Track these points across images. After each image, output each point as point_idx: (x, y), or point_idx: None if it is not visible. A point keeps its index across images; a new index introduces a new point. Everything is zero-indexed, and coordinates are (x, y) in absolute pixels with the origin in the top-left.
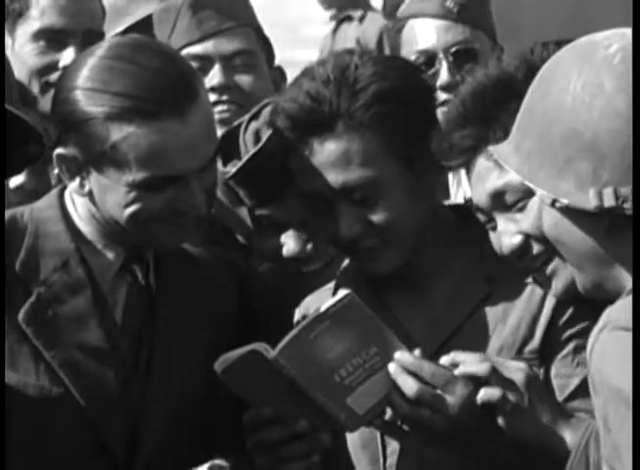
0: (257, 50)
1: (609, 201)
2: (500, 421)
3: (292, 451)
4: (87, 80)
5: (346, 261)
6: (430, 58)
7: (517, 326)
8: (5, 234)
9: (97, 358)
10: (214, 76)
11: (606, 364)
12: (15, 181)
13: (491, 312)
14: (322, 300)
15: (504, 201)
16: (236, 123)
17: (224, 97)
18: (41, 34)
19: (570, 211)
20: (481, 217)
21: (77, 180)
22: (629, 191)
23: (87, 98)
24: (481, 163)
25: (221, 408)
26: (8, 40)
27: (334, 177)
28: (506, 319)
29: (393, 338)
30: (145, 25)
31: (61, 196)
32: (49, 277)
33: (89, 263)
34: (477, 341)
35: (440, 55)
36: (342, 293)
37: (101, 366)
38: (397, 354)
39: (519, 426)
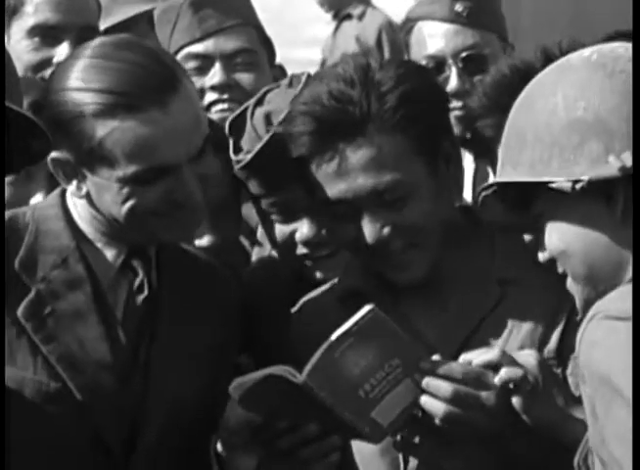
0: (258, 49)
1: (628, 161)
2: (517, 404)
3: (306, 456)
4: (71, 80)
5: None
6: (439, 63)
7: (534, 327)
8: (6, 232)
9: (95, 354)
10: (215, 75)
11: (594, 353)
12: None
13: (506, 315)
14: (319, 298)
15: None
16: (239, 111)
17: (225, 95)
18: (36, 30)
19: (582, 203)
20: None
21: (74, 183)
22: None
23: (72, 98)
24: None
25: (220, 405)
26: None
27: (363, 181)
28: (522, 321)
29: (416, 347)
30: (136, 23)
31: (62, 195)
32: (48, 274)
33: (89, 261)
34: (493, 344)
35: (450, 61)
36: (366, 308)
37: (99, 362)
38: (423, 364)
39: (535, 409)
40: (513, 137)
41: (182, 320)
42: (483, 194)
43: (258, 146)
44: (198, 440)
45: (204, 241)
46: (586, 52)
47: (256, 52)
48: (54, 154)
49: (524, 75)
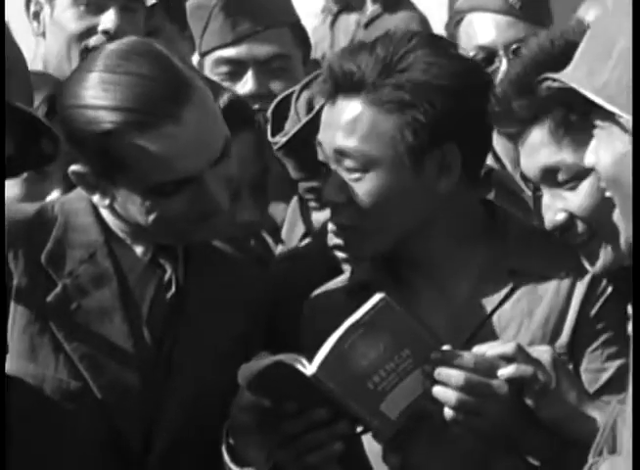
0: (293, 51)
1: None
2: (528, 400)
3: (312, 441)
4: (79, 97)
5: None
6: (490, 54)
7: (546, 320)
8: (33, 225)
9: (119, 353)
10: (247, 82)
11: None
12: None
13: (517, 307)
14: (330, 291)
15: (555, 178)
16: (287, 92)
17: (256, 106)
18: None
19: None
20: (526, 187)
21: (98, 194)
22: None
23: (84, 116)
24: (537, 135)
25: None
26: (46, 7)
27: (334, 138)
28: (532, 313)
29: (427, 337)
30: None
31: None
32: (75, 269)
33: (117, 256)
34: (503, 336)
35: (501, 52)
36: (377, 297)
37: (122, 361)
38: (433, 354)
39: (547, 406)
40: (599, 42)
41: (207, 318)
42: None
43: (296, 128)
44: (216, 438)
45: (245, 215)
46: None
47: (290, 56)
48: (74, 167)
49: (567, 54)
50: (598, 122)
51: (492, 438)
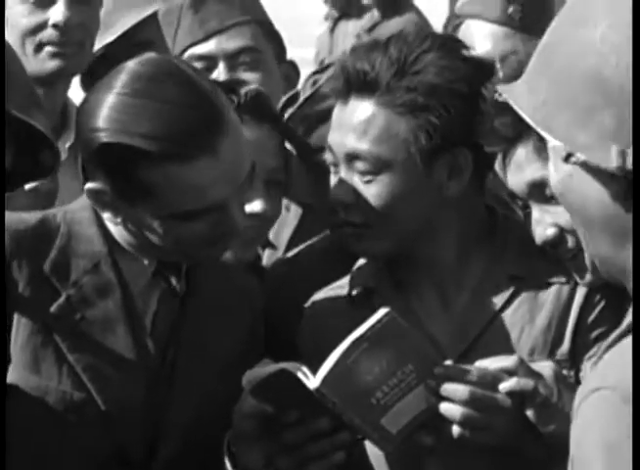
0: (264, 46)
1: (629, 161)
2: (530, 414)
3: (314, 450)
4: (110, 121)
5: (362, 260)
6: None
7: (547, 327)
8: (36, 234)
9: (122, 364)
10: (219, 75)
11: (586, 436)
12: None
13: (517, 313)
14: (330, 297)
15: (543, 193)
16: (291, 93)
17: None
18: None
19: (585, 170)
20: (514, 204)
21: (111, 211)
22: None
23: (112, 140)
24: (521, 152)
25: None
26: None
27: (344, 139)
28: (534, 320)
29: (431, 351)
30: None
31: None
32: (79, 279)
33: (121, 267)
34: (504, 342)
35: (498, 65)
36: (382, 311)
37: (126, 372)
38: (437, 370)
39: (548, 419)
40: (544, 56)
41: (207, 330)
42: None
43: (304, 96)
44: (219, 448)
45: (255, 206)
46: None
47: (260, 50)
48: (91, 184)
49: None
50: (549, 139)
51: (500, 450)
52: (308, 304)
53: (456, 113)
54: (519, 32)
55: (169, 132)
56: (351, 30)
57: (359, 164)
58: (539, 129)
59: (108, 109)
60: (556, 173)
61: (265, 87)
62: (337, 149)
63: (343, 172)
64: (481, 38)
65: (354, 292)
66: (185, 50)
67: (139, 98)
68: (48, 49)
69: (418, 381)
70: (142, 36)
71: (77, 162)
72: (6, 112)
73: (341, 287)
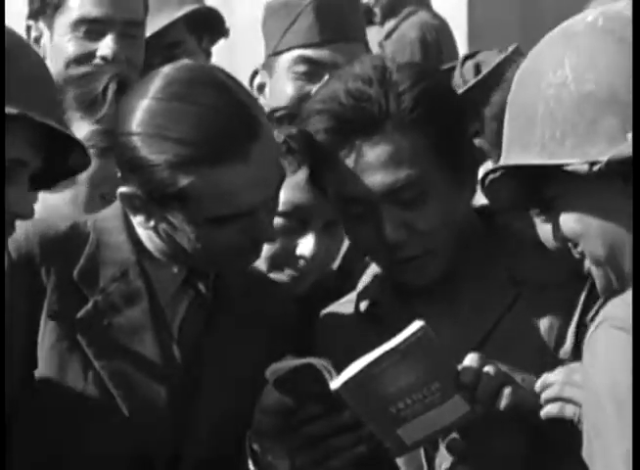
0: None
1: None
2: None
3: (336, 445)
4: (144, 125)
5: (370, 271)
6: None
7: (550, 327)
8: (65, 241)
9: (149, 372)
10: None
11: (595, 365)
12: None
13: (521, 315)
14: (339, 311)
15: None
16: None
17: None
18: (79, 24)
19: (598, 183)
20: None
21: (143, 215)
22: None
23: (147, 144)
24: None
25: None
26: (46, 33)
27: (382, 178)
28: (537, 321)
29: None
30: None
31: None
32: (107, 286)
33: (149, 275)
34: (509, 345)
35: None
36: (417, 325)
37: (152, 380)
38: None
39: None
40: (520, 114)
41: (234, 339)
42: (490, 177)
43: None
44: (242, 454)
45: (305, 249)
46: (589, 16)
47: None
48: (124, 189)
49: None
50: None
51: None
52: (320, 316)
53: (451, 106)
54: None
55: (203, 137)
56: (374, 38)
57: (404, 195)
58: (552, 162)
59: (142, 112)
60: (570, 217)
61: None
62: (375, 191)
63: (385, 212)
64: None
65: (362, 306)
66: (291, 48)
67: (174, 102)
68: None
69: (443, 399)
70: (171, 37)
71: None
72: (30, 118)
73: (349, 301)
